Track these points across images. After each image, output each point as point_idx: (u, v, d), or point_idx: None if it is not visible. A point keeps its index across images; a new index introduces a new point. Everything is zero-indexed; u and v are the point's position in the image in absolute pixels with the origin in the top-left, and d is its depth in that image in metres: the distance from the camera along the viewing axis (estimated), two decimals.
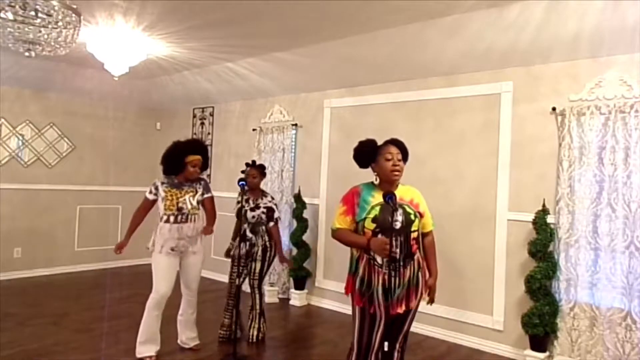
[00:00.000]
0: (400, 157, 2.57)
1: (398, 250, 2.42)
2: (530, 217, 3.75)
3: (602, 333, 3.47)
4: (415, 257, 2.52)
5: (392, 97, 4.79)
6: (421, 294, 2.57)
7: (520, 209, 3.94)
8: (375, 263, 2.45)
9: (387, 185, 2.56)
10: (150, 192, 3.61)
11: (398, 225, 2.44)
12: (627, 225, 3.41)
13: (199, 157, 3.64)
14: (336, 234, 2.58)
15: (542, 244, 3.62)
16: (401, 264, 2.44)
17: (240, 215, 3.89)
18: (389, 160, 2.53)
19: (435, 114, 4.49)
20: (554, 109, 3.78)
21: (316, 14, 3.59)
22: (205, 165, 3.76)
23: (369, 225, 2.46)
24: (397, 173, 2.54)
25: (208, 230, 3.74)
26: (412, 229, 2.48)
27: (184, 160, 3.59)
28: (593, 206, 3.55)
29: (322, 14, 3.59)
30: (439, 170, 4.42)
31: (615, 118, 3.48)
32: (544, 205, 3.73)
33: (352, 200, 2.55)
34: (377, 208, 2.47)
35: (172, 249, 3.51)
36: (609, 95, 3.54)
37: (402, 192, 2.56)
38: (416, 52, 4.16)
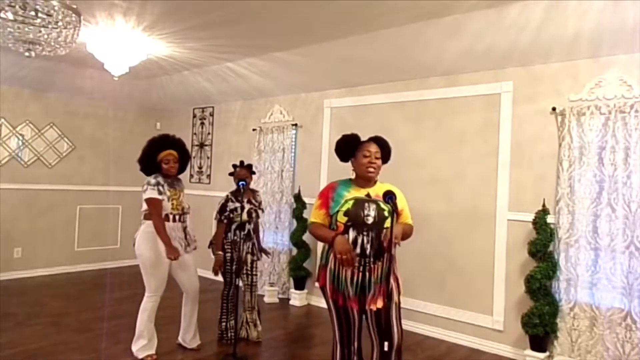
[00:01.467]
0: (378, 155, 2.60)
1: (358, 256, 2.43)
2: (530, 217, 3.75)
3: (602, 333, 3.47)
4: (386, 255, 2.48)
5: (392, 97, 4.79)
6: (391, 294, 2.51)
7: (520, 209, 3.94)
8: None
9: (363, 182, 2.60)
10: (160, 192, 3.44)
11: (370, 220, 2.46)
12: (627, 225, 3.41)
13: (170, 151, 3.53)
14: (310, 228, 2.64)
15: (542, 244, 3.62)
16: (371, 259, 2.45)
17: (251, 216, 3.90)
18: (366, 157, 2.57)
19: (435, 114, 4.49)
20: (554, 109, 3.78)
21: (316, 14, 3.59)
22: (184, 158, 3.64)
23: (341, 219, 2.49)
24: (372, 170, 2.57)
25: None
26: (385, 225, 2.47)
27: (157, 159, 3.51)
28: (593, 206, 3.55)
29: (322, 14, 3.59)
30: (439, 170, 4.42)
31: (615, 118, 3.48)
32: (544, 205, 3.73)
33: (326, 194, 2.61)
34: (351, 202, 2.51)
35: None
36: (609, 95, 3.54)
37: (379, 189, 2.57)
38: (416, 52, 4.16)
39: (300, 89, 5.54)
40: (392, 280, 2.53)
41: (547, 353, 3.67)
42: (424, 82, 4.56)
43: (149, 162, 3.54)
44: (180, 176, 3.74)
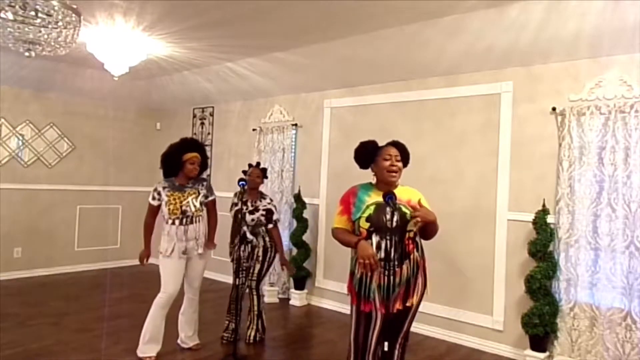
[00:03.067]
0: (399, 158, 2.59)
1: (383, 257, 2.42)
2: (530, 217, 3.75)
3: (602, 333, 3.47)
4: (412, 256, 2.51)
5: (392, 97, 4.79)
6: (421, 293, 2.56)
7: (520, 209, 3.94)
8: None
9: (385, 185, 2.57)
10: (154, 198, 3.58)
11: (392, 224, 2.45)
12: (627, 225, 3.41)
13: (195, 154, 3.64)
14: (334, 233, 2.64)
15: (542, 244, 3.62)
16: (395, 263, 2.44)
17: (237, 216, 3.88)
18: (387, 160, 2.55)
19: (435, 114, 4.49)
20: (554, 109, 3.78)
21: (316, 14, 3.59)
22: (204, 163, 3.76)
23: (364, 224, 2.49)
24: (393, 173, 2.55)
25: (211, 245, 3.76)
26: (408, 228, 2.49)
27: (182, 159, 3.60)
28: (593, 206, 3.55)
29: (321, 14, 3.59)
30: (439, 170, 4.42)
31: (615, 118, 3.48)
32: (544, 205, 3.73)
33: (347, 200, 2.60)
34: (372, 207, 2.50)
35: (184, 253, 3.54)
36: (609, 95, 3.54)
37: (400, 192, 2.57)
38: (416, 52, 4.16)
39: (300, 89, 5.54)
40: (419, 281, 2.54)
41: (547, 353, 3.67)
42: (424, 82, 4.56)
43: (174, 160, 3.61)
44: None
